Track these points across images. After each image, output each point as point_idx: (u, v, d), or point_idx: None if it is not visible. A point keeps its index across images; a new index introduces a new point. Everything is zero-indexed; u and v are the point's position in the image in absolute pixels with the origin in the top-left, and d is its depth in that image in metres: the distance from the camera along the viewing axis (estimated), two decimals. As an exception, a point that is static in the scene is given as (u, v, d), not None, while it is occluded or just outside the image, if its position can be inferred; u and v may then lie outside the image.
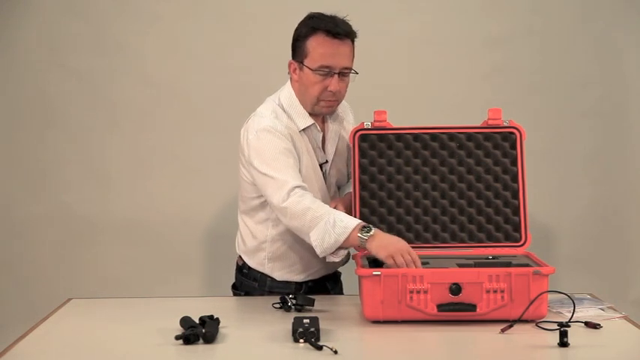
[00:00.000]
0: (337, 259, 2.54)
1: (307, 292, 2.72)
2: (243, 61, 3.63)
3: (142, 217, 3.71)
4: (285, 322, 2.39)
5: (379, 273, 2.36)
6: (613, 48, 3.69)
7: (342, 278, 2.96)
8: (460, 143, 2.72)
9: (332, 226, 2.46)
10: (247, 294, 2.81)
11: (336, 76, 2.60)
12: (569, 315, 2.35)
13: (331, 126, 2.76)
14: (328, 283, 2.86)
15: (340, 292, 2.94)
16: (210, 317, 2.34)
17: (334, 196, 2.81)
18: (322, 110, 2.67)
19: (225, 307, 2.60)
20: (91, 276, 3.72)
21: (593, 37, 3.68)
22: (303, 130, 2.67)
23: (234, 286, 2.88)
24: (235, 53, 3.66)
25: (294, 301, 2.51)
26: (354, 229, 2.44)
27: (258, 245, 2.75)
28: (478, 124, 2.73)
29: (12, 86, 3.69)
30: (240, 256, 2.84)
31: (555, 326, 2.24)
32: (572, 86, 3.69)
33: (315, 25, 2.59)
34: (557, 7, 3.67)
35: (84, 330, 2.41)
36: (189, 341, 2.20)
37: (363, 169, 2.71)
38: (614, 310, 2.52)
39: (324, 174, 2.75)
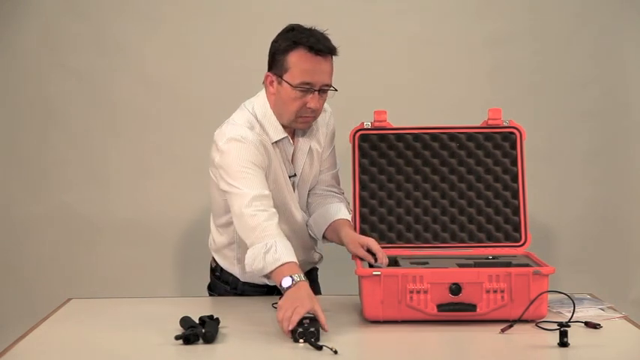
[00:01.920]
0: (267, 282, 2.63)
1: (281, 293, 2.67)
2: (243, 62, 3.62)
3: (142, 217, 3.71)
4: (285, 322, 2.40)
5: (379, 273, 2.36)
6: (613, 48, 3.69)
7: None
8: (460, 143, 2.72)
9: (265, 252, 2.40)
10: (220, 296, 2.82)
11: (316, 93, 2.53)
12: (569, 315, 2.35)
13: (301, 140, 2.71)
14: None
15: (317, 292, 2.92)
16: (210, 317, 2.35)
17: (306, 206, 2.80)
18: (299, 126, 2.63)
19: (225, 307, 2.60)
20: (91, 276, 3.72)
21: (593, 36, 3.68)
22: (275, 142, 2.63)
23: (209, 287, 2.89)
24: (236, 53, 3.65)
25: (294, 302, 2.50)
26: (283, 265, 2.36)
27: (227, 246, 2.75)
28: (478, 124, 2.73)
29: (12, 86, 3.69)
30: (213, 258, 2.85)
31: (555, 326, 2.24)
32: (572, 86, 3.69)
33: (297, 39, 2.51)
34: (557, 7, 3.67)
35: (84, 330, 2.41)
36: (189, 341, 2.21)
37: (363, 169, 2.71)
38: (614, 310, 2.52)
39: (293, 185, 2.72)
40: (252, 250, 2.44)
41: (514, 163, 2.70)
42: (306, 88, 2.52)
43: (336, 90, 2.59)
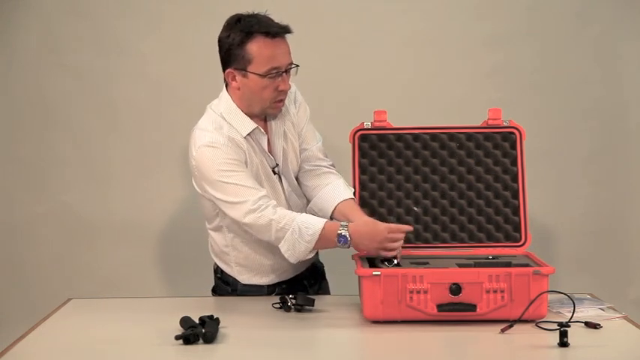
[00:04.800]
0: (309, 257, 2.57)
1: (282, 293, 2.67)
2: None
3: (142, 217, 3.71)
4: (285, 322, 2.40)
5: (379, 273, 2.36)
6: (613, 48, 3.68)
7: (332, 278, 2.98)
8: (460, 143, 2.72)
9: (299, 235, 2.49)
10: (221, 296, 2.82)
11: (284, 74, 2.57)
12: (569, 315, 2.35)
13: (274, 125, 2.69)
14: (306, 280, 2.84)
15: (326, 291, 2.93)
16: (210, 317, 2.35)
17: (297, 198, 2.77)
18: (272, 112, 2.63)
19: (225, 307, 2.60)
20: (91, 276, 3.72)
21: (593, 36, 3.68)
22: (248, 135, 2.61)
23: (213, 290, 2.88)
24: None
25: (294, 301, 2.51)
26: (322, 231, 2.48)
27: (223, 249, 2.75)
28: (478, 124, 2.73)
29: (12, 86, 3.69)
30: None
31: (555, 326, 2.24)
32: (572, 86, 3.69)
33: (249, 29, 2.53)
34: (557, 6, 3.67)
35: (84, 330, 2.41)
36: (189, 341, 2.21)
37: (363, 169, 2.71)
38: (614, 310, 2.52)
39: (279, 178, 2.71)
40: (285, 243, 2.50)
41: (514, 163, 2.70)
42: (276, 72, 2.55)
43: (297, 66, 2.60)
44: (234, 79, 2.60)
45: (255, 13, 2.58)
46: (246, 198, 2.52)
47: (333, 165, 2.83)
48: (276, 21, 2.58)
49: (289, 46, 2.59)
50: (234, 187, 2.53)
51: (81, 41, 3.66)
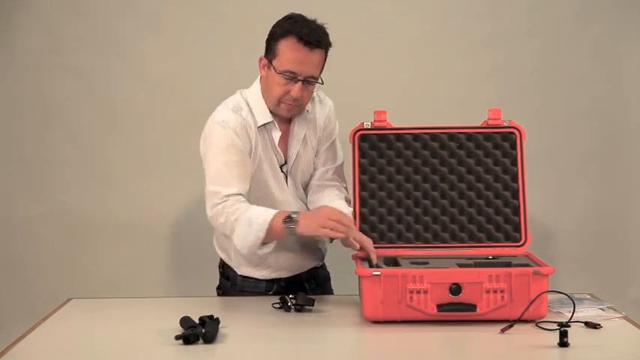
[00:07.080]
0: (268, 250, 2.60)
1: (280, 292, 2.69)
2: (243, 62, 3.60)
3: (142, 217, 3.71)
4: (285, 322, 2.40)
5: (379, 273, 2.36)
6: (613, 48, 3.69)
7: (332, 278, 2.99)
8: (460, 143, 2.72)
9: (248, 226, 2.52)
10: (224, 294, 2.83)
11: (299, 82, 2.58)
12: (569, 315, 2.35)
13: (297, 128, 2.73)
14: (307, 284, 2.84)
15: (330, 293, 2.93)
16: (210, 317, 2.35)
17: (300, 195, 2.78)
18: (282, 112, 2.66)
19: (225, 307, 2.61)
20: (91, 276, 3.72)
21: (593, 36, 3.68)
22: (263, 126, 2.66)
23: (218, 287, 2.89)
24: (236, 53, 3.65)
25: (294, 301, 2.51)
26: (272, 222, 2.50)
27: (224, 239, 2.74)
28: (478, 124, 2.73)
29: (12, 86, 3.69)
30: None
31: (555, 326, 2.24)
32: (572, 86, 3.69)
33: (290, 27, 2.57)
34: (557, 6, 3.67)
35: (84, 330, 2.41)
36: (189, 341, 2.21)
37: (363, 169, 2.71)
38: (614, 310, 2.52)
39: (285, 175, 2.73)
40: (236, 234, 2.54)
41: (514, 163, 2.70)
42: (290, 76, 2.57)
43: (322, 83, 2.64)
44: (263, 67, 2.66)
45: (314, 20, 2.62)
46: (219, 189, 2.56)
47: (345, 188, 2.84)
48: (315, 33, 2.59)
49: (323, 61, 2.62)
50: (221, 168, 2.58)
51: (81, 41, 3.66)
